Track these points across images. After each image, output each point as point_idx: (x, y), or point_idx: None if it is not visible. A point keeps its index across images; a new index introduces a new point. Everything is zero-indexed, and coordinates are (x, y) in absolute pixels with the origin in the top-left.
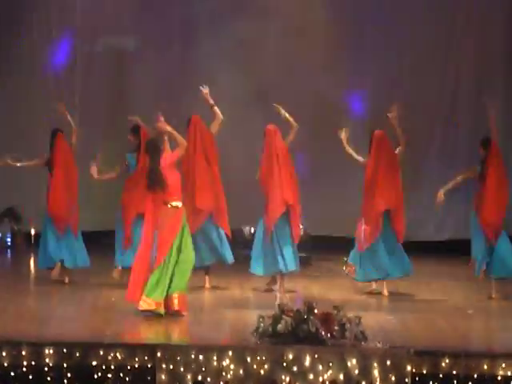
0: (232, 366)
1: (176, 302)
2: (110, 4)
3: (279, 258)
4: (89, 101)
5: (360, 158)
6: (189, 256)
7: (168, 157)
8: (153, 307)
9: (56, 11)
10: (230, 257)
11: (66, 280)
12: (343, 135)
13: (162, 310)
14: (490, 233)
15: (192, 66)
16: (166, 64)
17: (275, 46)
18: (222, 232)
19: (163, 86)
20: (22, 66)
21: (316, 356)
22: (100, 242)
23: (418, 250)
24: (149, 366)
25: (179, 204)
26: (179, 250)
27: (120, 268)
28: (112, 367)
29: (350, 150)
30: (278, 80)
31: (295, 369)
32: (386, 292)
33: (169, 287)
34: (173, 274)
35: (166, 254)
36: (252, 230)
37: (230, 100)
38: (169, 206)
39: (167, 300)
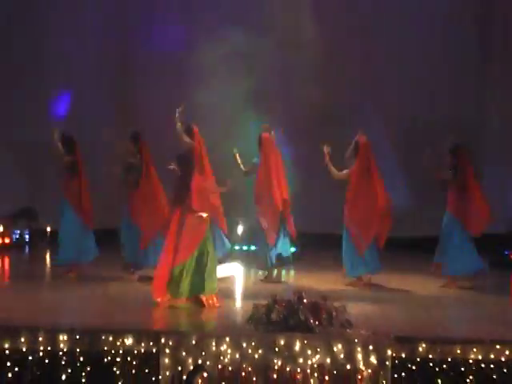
0: (229, 351)
1: (214, 299)
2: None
3: (273, 252)
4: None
5: (345, 171)
6: (213, 260)
7: (201, 182)
8: (177, 304)
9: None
10: (228, 247)
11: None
12: (325, 149)
13: (186, 305)
14: (479, 233)
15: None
16: (166, 74)
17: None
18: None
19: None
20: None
21: (305, 342)
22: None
23: (397, 245)
24: (153, 350)
25: (205, 214)
26: (202, 256)
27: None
28: (120, 352)
29: (333, 169)
30: (273, 86)
31: (286, 353)
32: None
33: (202, 289)
34: (199, 278)
35: (187, 258)
36: (241, 228)
37: (226, 103)
38: (196, 215)
39: (201, 298)
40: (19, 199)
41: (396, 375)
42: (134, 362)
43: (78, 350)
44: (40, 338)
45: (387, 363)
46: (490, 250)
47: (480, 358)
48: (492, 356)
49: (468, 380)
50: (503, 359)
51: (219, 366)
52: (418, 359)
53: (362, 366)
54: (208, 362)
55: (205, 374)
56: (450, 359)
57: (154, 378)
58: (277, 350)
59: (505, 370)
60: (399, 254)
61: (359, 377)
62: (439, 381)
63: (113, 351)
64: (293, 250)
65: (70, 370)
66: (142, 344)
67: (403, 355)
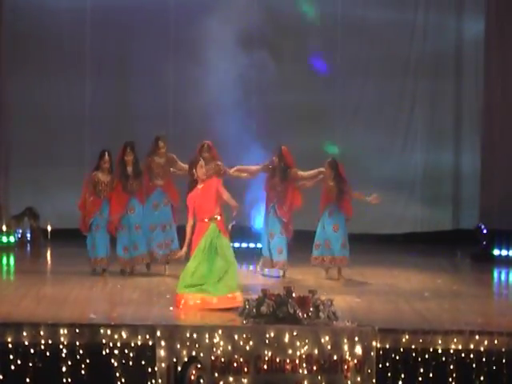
0: (222, 343)
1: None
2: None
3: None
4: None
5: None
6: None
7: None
8: None
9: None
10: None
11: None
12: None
13: None
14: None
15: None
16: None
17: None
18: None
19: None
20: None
21: (294, 334)
22: None
23: (382, 241)
24: (150, 343)
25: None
26: None
27: None
28: (118, 345)
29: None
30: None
31: (276, 345)
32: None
33: None
34: None
35: None
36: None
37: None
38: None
39: None
40: (22, 199)
41: (380, 365)
42: (131, 355)
43: (77, 342)
44: (41, 332)
45: (372, 353)
46: (471, 244)
47: (460, 347)
48: (471, 346)
49: (449, 369)
50: (482, 349)
51: (212, 357)
52: (402, 349)
53: (348, 357)
54: (202, 354)
55: (198, 365)
56: (431, 349)
57: (150, 370)
58: (267, 341)
59: (484, 359)
60: (383, 248)
61: (345, 366)
62: (421, 370)
63: (111, 344)
64: None
65: (70, 362)
66: (139, 337)
67: (387, 346)
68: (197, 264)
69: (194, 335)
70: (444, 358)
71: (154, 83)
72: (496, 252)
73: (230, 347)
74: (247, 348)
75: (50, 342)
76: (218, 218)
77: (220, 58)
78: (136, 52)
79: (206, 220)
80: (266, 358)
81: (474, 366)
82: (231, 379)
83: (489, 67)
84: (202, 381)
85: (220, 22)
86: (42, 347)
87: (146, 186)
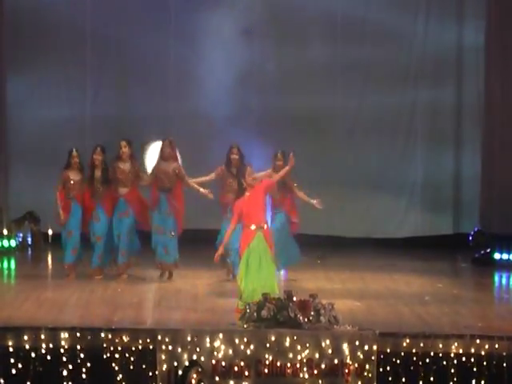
0: (222, 347)
1: None
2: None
3: None
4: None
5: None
6: None
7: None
8: None
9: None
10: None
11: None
12: None
13: None
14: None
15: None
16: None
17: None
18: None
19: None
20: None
21: (295, 338)
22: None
23: (382, 245)
24: (150, 347)
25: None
26: None
27: None
28: (119, 349)
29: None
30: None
31: (277, 349)
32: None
33: None
34: None
35: None
36: None
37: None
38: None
39: None
40: (22, 203)
41: (381, 369)
42: (132, 359)
43: (78, 346)
44: (42, 336)
45: (373, 357)
46: (472, 248)
47: (461, 351)
48: (472, 350)
49: (450, 373)
50: (483, 353)
51: (213, 362)
52: (402, 353)
53: (348, 361)
54: (202, 358)
55: (199, 369)
56: (432, 353)
57: (150, 374)
58: (268, 345)
59: (484, 363)
60: (384, 253)
61: (346, 370)
62: (422, 374)
63: (111, 348)
64: None
65: (70, 366)
66: (140, 341)
67: (388, 350)
68: (253, 282)
69: (195, 339)
70: (445, 362)
71: (154, 83)
72: (497, 256)
73: (230, 351)
74: (248, 352)
75: (50, 345)
76: (265, 226)
77: (220, 56)
78: (137, 49)
79: (253, 227)
80: (267, 362)
81: (474, 370)
82: (232, 383)
83: (489, 74)
84: None
85: (221, 19)
86: (43, 351)
87: (112, 196)
